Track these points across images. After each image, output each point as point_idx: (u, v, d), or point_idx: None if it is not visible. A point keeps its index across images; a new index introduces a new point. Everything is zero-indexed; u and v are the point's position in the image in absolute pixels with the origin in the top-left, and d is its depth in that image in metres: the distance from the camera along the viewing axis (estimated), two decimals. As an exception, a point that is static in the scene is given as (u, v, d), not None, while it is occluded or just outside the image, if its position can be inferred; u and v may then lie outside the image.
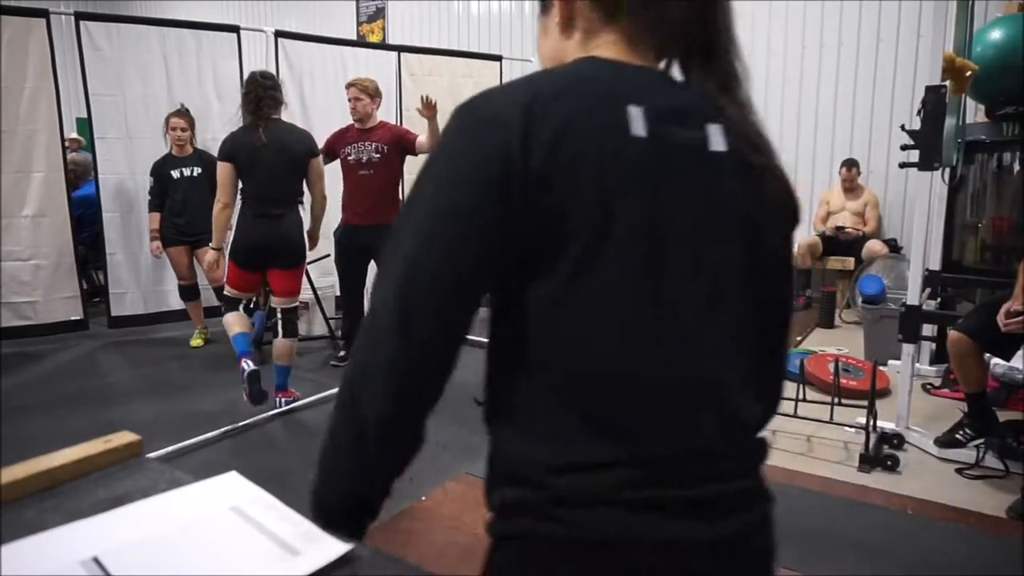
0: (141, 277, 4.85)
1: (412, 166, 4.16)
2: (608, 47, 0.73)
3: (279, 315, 3.45)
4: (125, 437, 0.81)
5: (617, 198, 0.64)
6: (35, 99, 4.37)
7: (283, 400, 3.50)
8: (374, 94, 3.99)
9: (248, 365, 3.30)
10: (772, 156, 0.73)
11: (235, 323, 3.41)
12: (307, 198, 3.57)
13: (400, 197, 4.21)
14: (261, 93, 3.30)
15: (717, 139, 0.69)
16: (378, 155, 3.96)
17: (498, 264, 0.67)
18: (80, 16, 4.50)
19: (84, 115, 4.62)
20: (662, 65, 0.76)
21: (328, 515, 0.70)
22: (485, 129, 0.65)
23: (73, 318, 4.62)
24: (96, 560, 0.59)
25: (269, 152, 3.26)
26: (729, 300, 0.70)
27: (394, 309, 0.66)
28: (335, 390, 2.81)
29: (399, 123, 5.69)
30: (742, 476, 0.71)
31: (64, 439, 0.80)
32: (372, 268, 4.39)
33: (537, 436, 0.69)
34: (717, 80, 0.73)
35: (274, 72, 5.00)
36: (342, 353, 4.26)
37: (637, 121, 0.65)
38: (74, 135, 6.60)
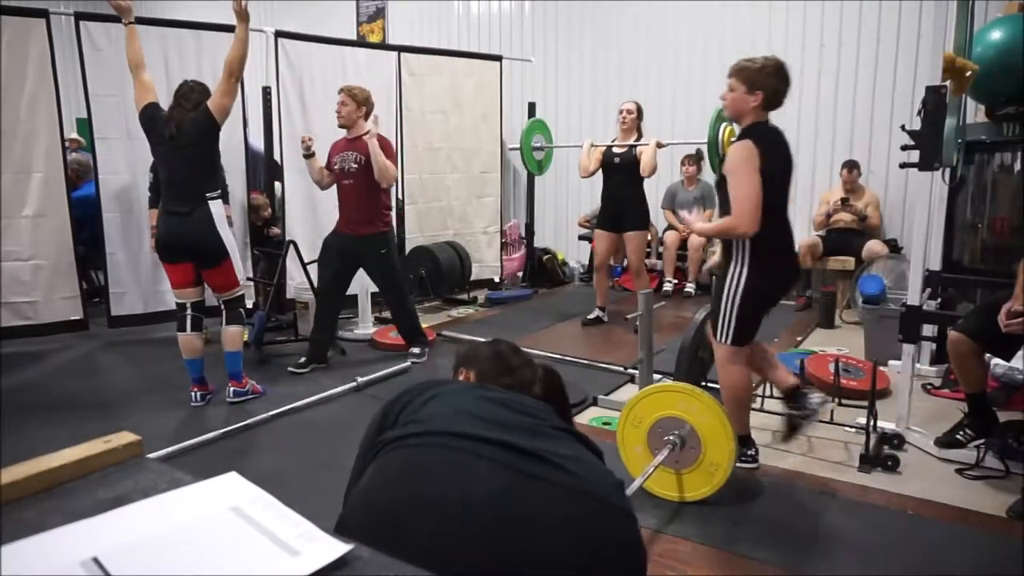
0: (140, 277, 4.85)
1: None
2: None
3: (222, 305, 3.50)
4: (125, 437, 0.81)
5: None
6: (35, 99, 4.37)
7: (232, 390, 3.52)
8: (362, 102, 3.98)
9: (195, 395, 3.51)
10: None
11: (182, 346, 3.50)
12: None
13: (382, 208, 4.12)
14: (185, 91, 3.39)
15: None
16: (356, 165, 3.97)
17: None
18: (80, 16, 4.49)
19: (84, 115, 4.61)
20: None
21: None
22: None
23: (73, 318, 4.61)
24: (96, 560, 0.59)
25: (174, 148, 3.31)
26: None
27: None
28: (335, 390, 2.85)
29: (399, 123, 5.70)
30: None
31: (64, 439, 0.80)
32: (358, 278, 4.38)
33: None
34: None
35: (274, 72, 5.02)
36: (302, 359, 4.14)
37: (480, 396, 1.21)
38: (74, 135, 6.60)
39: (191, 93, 3.38)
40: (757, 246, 2.51)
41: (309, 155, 4.11)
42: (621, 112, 4.99)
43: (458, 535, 0.91)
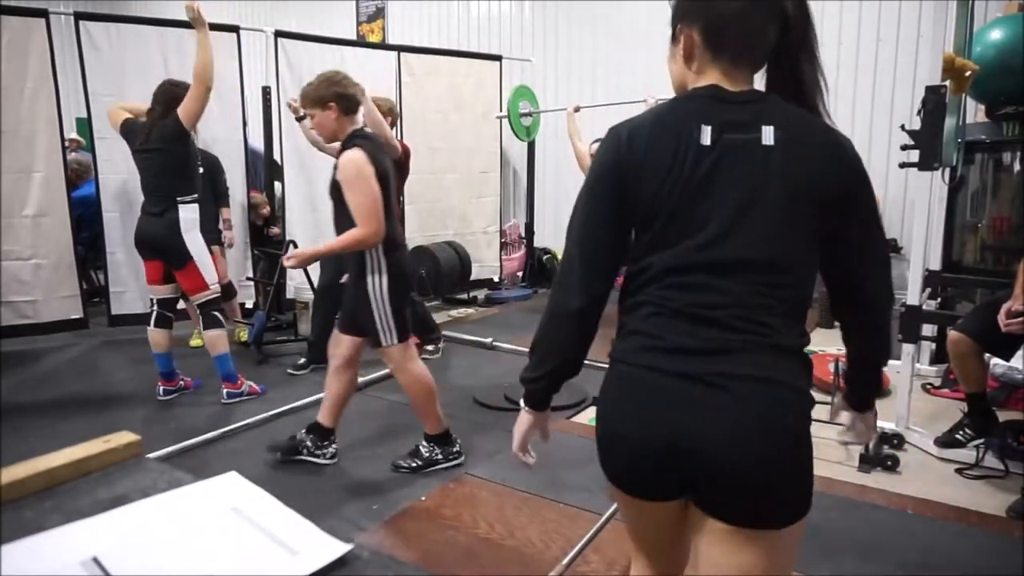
0: (140, 276, 4.83)
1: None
2: (712, 77, 1.14)
3: (197, 310, 3.56)
4: (125, 437, 0.81)
5: (685, 180, 1.09)
6: (35, 99, 4.37)
7: (227, 392, 3.54)
8: (387, 112, 4.02)
9: (160, 390, 3.60)
10: (813, 140, 1.16)
11: (149, 340, 3.59)
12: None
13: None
14: (157, 93, 3.45)
15: (768, 136, 1.10)
16: None
17: (617, 221, 1.15)
18: (80, 16, 4.49)
19: (84, 115, 4.62)
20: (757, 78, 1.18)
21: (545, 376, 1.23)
22: (607, 143, 1.16)
23: (73, 317, 4.61)
24: (96, 560, 0.59)
25: (148, 150, 3.39)
26: (762, 220, 1.09)
27: (570, 252, 1.18)
28: (335, 390, 2.65)
29: (399, 123, 5.70)
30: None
31: (64, 439, 0.80)
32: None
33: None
34: (790, 93, 1.17)
35: (274, 72, 5.02)
36: (302, 360, 4.16)
37: (705, 134, 1.09)
38: (74, 135, 6.60)
39: (160, 96, 3.43)
40: (387, 247, 2.60)
41: (301, 117, 4.13)
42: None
43: (671, 408, 1.08)
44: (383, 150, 2.68)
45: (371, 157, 2.52)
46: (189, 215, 3.41)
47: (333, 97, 2.59)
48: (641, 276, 1.14)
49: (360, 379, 3.84)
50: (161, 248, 3.43)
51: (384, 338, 2.65)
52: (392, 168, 2.71)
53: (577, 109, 5.31)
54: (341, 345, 2.80)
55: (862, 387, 1.32)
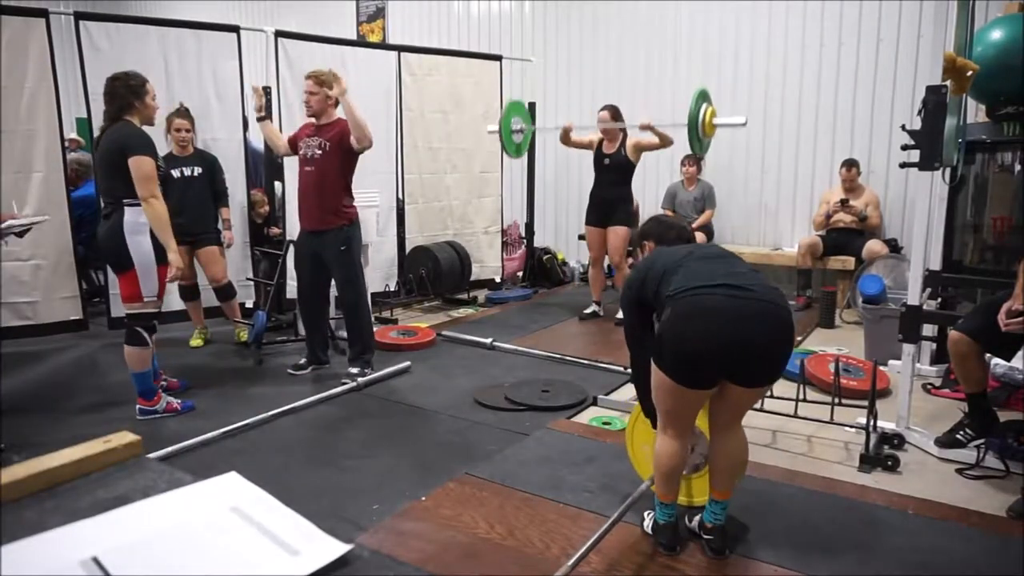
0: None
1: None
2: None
3: (125, 319, 3.35)
4: (125, 437, 0.81)
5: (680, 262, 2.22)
6: (35, 99, 4.37)
7: (138, 408, 3.39)
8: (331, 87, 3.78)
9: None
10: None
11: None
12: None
13: (343, 200, 3.84)
14: (107, 90, 3.25)
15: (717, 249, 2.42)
16: (320, 151, 3.77)
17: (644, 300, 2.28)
18: (80, 16, 4.49)
19: (84, 115, 4.61)
20: None
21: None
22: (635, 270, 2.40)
23: (73, 318, 4.61)
24: (96, 560, 0.59)
25: (99, 152, 3.31)
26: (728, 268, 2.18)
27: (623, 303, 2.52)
28: (335, 390, 2.85)
29: (399, 123, 5.70)
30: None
31: (64, 439, 0.80)
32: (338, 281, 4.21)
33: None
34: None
35: (274, 71, 5.02)
36: (302, 360, 4.13)
37: (688, 248, 2.36)
38: (74, 135, 6.61)
39: (111, 99, 3.24)
40: None
41: (262, 118, 4.03)
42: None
43: (722, 323, 2.00)
44: None
45: None
46: (133, 217, 3.18)
47: None
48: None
49: (359, 379, 3.86)
50: (105, 250, 3.28)
51: None
52: None
53: (569, 129, 5.31)
54: None
55: None
